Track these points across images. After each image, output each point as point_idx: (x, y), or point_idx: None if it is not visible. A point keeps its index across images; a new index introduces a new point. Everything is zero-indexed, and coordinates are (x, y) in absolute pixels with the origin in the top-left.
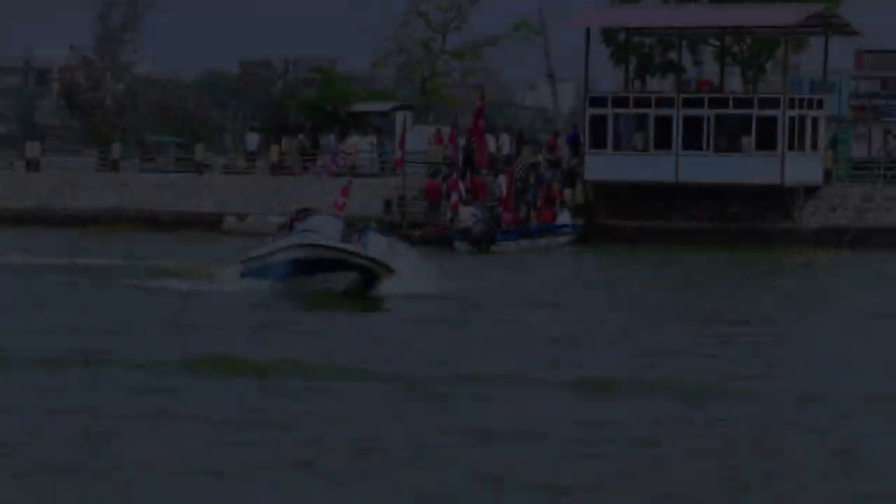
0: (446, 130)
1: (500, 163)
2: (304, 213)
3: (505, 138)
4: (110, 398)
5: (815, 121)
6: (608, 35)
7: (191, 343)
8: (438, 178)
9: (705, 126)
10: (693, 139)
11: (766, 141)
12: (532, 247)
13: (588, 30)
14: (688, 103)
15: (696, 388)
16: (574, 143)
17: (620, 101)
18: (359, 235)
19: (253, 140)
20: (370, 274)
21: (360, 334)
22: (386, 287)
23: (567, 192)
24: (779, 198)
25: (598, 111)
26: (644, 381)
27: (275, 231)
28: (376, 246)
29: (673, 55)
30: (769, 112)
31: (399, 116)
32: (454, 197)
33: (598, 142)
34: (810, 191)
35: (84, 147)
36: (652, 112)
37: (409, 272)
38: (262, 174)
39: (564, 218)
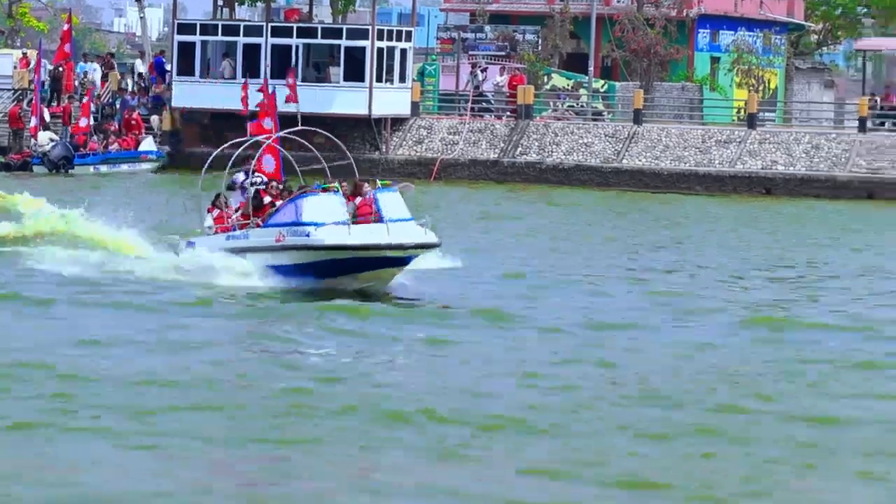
0: (33, 54)
1: (85, 88)
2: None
3: (92, 63)
4: None
5: (403, 53)
6: None
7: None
8: (23, 103)
9: (294, 56)
10: (281, 69)
11: (354, 72)
12: (112, 172)
13: None
14: (276, 32)
15: None
16: (160, 70)
17: (208, 29)
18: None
19: None
20: (414, 260)
21: None
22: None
23: (154, 118)
24: (367, 129)
25: (186, 38)
26: None
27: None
28: (389, 205)
29: None
30: (357, 43)
31: None
32: (34, 122)
33: (186, 69)
34: (398, 122)
35: None
36: (240, 40)
37: None
38: None
39: (148, 144)
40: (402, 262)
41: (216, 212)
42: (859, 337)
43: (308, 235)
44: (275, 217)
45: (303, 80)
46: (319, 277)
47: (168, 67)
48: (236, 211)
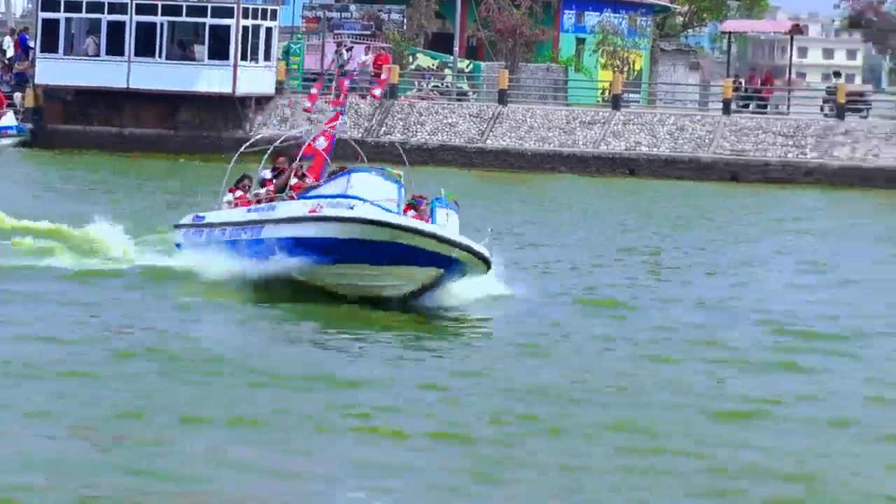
0: None
1: None
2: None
3: None
4: None
5: (268, 31)
6: None
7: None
8: None
9: (158, 33)
10: (146, 46)
11: (219, 50)
12: None
13: None
14: (141, 10)
15: None
16: (24, 46)
17: (73, 6)
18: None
19: None
20: (458, 271)
21: None
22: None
23: (17, 95)
24: (230, 108)
25: (50, 15)
26: None
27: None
28: (446, 224)
29: None
30: (222, 21)
31: None
32: None
33: (50, 46)
34: (262, 101)
35: None
36: (105, 17)
37: None
38: None
39: (9, 119)
40: (447, 264)
41: (238, 193)
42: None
43: (352, 208)
44: (318, 189)
45: (167, 58)
46: (343, 258)
47: (32, 44)
48: (262, 186)
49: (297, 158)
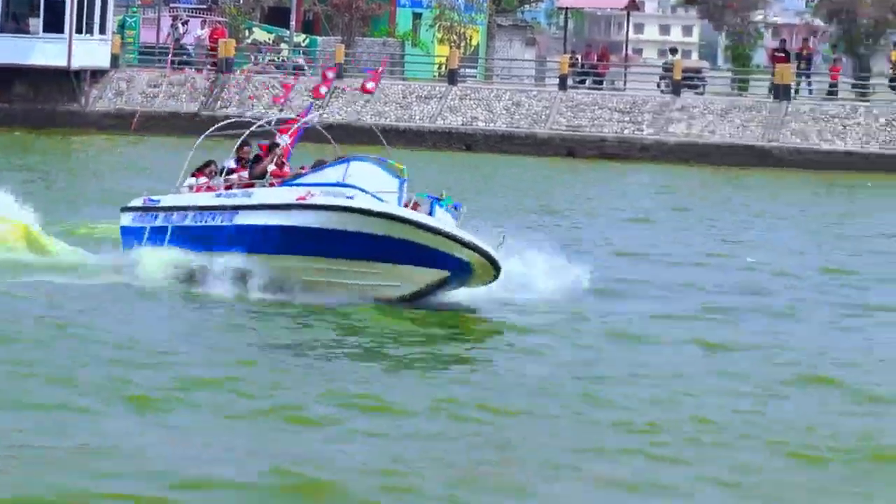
0: None
1: None
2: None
3: None
4: None
5: (103, 4)
6: None
7: None
8: None
9: None
10: None
11: (54, 23)
12: None
13: None
14: None
15: None
16: None
17: None
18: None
19: None
20: (464, 276)
21: None
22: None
23: None
24: (66, 81)
25: None
26: None
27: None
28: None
29: None
30: None
31: None
32: None
33: None
34: (97, 75)
35: None
36: None
37: None
38: None
39: None
40: (455, 265)
41: (202, 179)
42: None
43: (351, 198)
44: (308, 177)
45: (1, 31)
46: (334, 252)
47: None
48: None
49: (272, 147)
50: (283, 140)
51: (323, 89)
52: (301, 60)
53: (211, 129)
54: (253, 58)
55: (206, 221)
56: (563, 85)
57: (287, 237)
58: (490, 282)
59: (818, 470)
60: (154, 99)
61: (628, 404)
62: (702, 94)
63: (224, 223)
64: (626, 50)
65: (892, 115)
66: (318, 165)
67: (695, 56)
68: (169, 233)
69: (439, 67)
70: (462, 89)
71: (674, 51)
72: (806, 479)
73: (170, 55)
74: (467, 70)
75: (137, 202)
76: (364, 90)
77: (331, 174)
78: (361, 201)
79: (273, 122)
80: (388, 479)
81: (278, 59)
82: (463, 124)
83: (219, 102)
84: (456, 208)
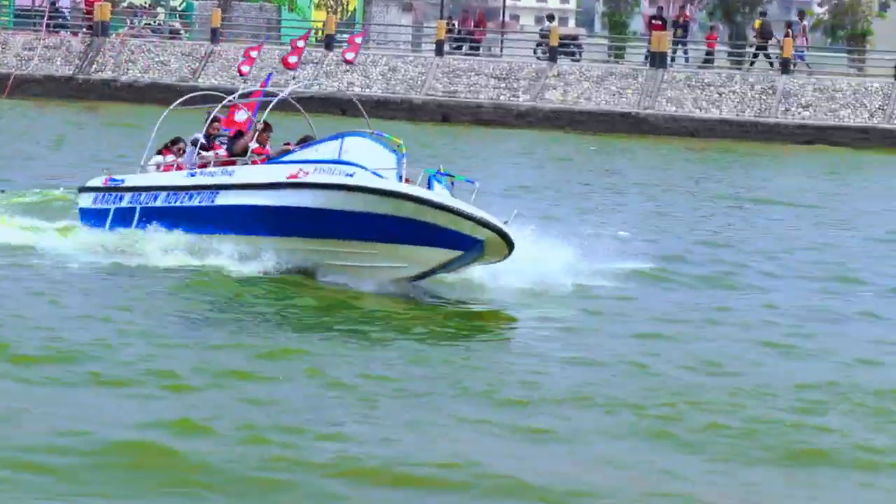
0: None
1: None
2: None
3: None
4: None
5: None
6: None
7: None
8: None
9: None
10: None
11: None
12: None
13: None
14: None
15: None
16: None
17: None
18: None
19: None
20: (479, 251)
21: None
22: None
23: None
24: None
25: None
26: None
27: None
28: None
29: None
30: None
31: None
32: None
33: None
34: None
35: None
36: None
37: None
38: None
39: None
40: (469, 244)
41: (170, 157)
42: None
43: (351, 175)
44: (297, 154)
45: None
46: (333, 233)
47: None
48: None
49: (253, 125)
50: (240, 117)
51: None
52: (178, 24)
53: (177, 102)
54: (129, 21)
55: (181, 202)
56: (439, 51)
57: (280, 218)
58: (503, 259)
59: None
60: (29, 62)
61: None
62: (578, 61)
63: (204, 203)
64: (504, 16)
65: (768, 84)
66: (306, 142)
67: (572, 23)
68: (137, 214)
69: (316, 33)
70: (339, 55)
71: (551, 17)
72: None
73: (45, 18)
74: (344, 35)
75: (97, 182)
76: (345, 61)
77: (324, 151)
78: (364, 179)
79: (238, 96)
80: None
81: (154, 22)
82: (339, 90)
83: (94, 66)
84: (452, 184)
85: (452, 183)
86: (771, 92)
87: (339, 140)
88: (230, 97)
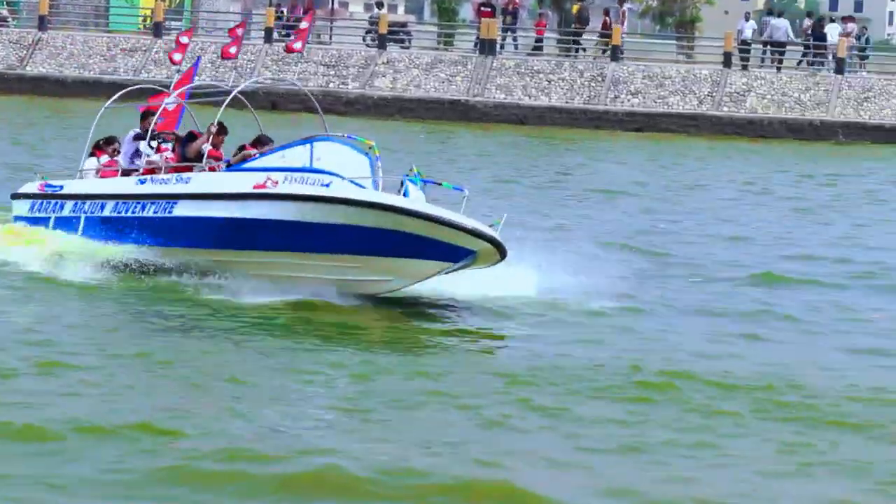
0: None
1: None
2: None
3: None
4: None
5: None
6: None
7: None
8: None
9: None
10: None
11: None
12: None
13: None
14: None
15: None
16: None
17: None
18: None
19: None
20: (469, 260)
21: None
22: None
23: None
24: None
25: None
26: None
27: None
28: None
29: None
30: None
31: None
32: None
33: None
34: None
35: None
36: None
37: None
38: None
39: None
40: (462, 255)
41: (105, 158)
42: None
43: (328, 185)
44: (263, 160)
45: None
46: (310, 247)
47: None
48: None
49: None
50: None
51: (233, 49)
52: (5, 12)
53: (112, 100)
54: None
55: (133, 212)
56: (268, 38)
57: (246, 232)
58: (493, 265)
59: None
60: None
61: None
62: (408, 48)
63: (159, 214)
64: (333, 4)
65: (597, 71)
66: (262, 143)
67: (401, 10)
68: (82, 224)
69: (144, 19)
70: (167, 42)
71: (380, 5)
72: None
73: None
74: (173, 22)
75: (31, 188)
76: (290, 49)
77: (293, 157)
78: (341, 189)
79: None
80: None
81: None
82: (168, 77)
83: None
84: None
85: (424, 182)
86: (600, 79)
87: (309, 145)
88: (168, 99)
